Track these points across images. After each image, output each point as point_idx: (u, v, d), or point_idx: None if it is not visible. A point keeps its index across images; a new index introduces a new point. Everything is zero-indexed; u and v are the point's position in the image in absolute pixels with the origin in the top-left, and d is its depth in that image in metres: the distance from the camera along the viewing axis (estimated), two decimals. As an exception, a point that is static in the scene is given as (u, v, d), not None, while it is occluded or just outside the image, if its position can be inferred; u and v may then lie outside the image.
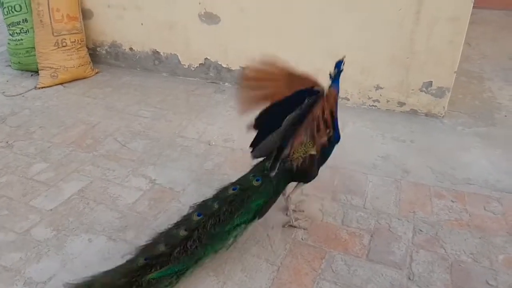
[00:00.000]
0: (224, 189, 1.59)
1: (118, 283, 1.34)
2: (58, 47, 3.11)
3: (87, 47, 3.37)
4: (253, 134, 1.63)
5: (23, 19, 3.21)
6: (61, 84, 3.12)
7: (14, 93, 3.01)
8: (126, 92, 3.06)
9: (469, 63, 3.58)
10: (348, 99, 2.93)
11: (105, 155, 2.31)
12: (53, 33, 3.09)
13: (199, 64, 3.26)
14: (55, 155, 2.31)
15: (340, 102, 2.92)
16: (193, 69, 3.29)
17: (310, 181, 1.74)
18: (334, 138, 1.71)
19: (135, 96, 2.99)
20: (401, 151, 2.39)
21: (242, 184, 1.59)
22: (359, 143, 2.47)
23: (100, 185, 2.07)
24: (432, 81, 2.72)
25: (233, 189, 1.57)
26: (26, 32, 3.21)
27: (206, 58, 3.22)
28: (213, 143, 2.43)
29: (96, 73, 3.35)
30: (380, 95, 2.87)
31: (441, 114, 2.76)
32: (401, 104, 2.83)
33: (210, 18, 3.07)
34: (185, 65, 3.31)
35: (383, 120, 2.74)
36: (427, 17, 2.59)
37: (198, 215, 1.51)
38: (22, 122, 2.64)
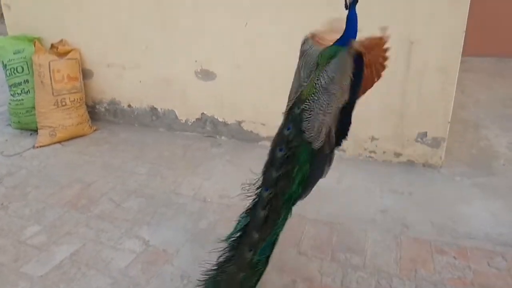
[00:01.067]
0: (272, 153, 1.59)
1: (238, 278, 1.53)
2: (58, 107, 3.21)
3: (87, 105, 3.47)
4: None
5: (24, 80, 3.34)
6: (59, 142, 3.18)
7: (12, 152, 3.07)
8: (123, 149, 3.11)
9: (464, 111, 3.65)
10: (344, 151, 2.96)
11: (100, 215, 2.31)
12: (53, 93, 3.20)
13: (196, 118, 3.34)
14: (49, 217, 2.30)
15: (336, 154, 2.98)
16: (190, 124, 3.37)
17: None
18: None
19: (132, 153, 3.03)
20: (400, 204, 2.38)
21: (284, 142, 1.56)
22: (357, 197, 2.46)
23: (93, 248, 2.05)
24: (427, 132, 2.77)
25: (280, 150, 1.57)
26: (27, 92, 3.33)
27: (202, 113, 3.30)
28: (209, 200, 2.43)
29: (94, 130, 3.42)
30: (376, 146, 2.90)
31: (439, 164, 2.78)
32: (398, 155, 2.86)
33: (206, 75, 3.19)
34: (182, 120, 3.38)
35: (380, 171, 2.75)
36: (417, 68, 2.69)
37: (266, 190, 1.58)
38: (19, 183, 2.67)
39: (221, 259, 1.61)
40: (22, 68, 3.34)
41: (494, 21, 4.82)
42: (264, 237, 1.55)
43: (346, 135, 1.63)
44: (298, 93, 1.59)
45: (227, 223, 2.19)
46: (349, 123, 1.61)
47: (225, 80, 3.16)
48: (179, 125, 3.40)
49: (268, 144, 3.04)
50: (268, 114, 3.07)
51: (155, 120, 3.47)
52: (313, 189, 1.60)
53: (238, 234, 1.62)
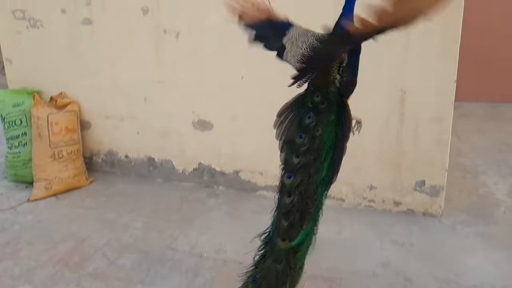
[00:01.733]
0: (291, 136, 1.60)
1: (279, 269, 1.55)
2: (55, 159, 3.23)
3: (84, 156, 3.50)
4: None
5: (22, 133, 3.39)
6: (54, 195, 3.18)
7: (7, 206, 3.05)
8: (119, 201, 3.10)
9: (461, 157, 3.69)
10: (343, 200, 2.96)
11: (92, 274, 2.26)
12: (50, 146, 3.23)
13: (193, 168, 3.36)
14: (40, 276, 2.25)
15: (335, 203, 2.98)
16: (187, 174, 3.38)
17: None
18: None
19: (128, 205, 3.02)
20: (401, 256, 2.34)
21: (305, 125, 1.58)
22: (357, 249, 2.43)
23: (84, 310, 1.99)
24: (425, 180, 2.78)
25: (300, 137, 1.58)
26: (24, 145, 3.37)
27: (200, 163, 3.33)
28: (205, 255, 2.39)
29: (91, 182, 3.42)
30: (375, 195, 2.90)
31: (439, 213, 2.76)
32: (397, 204, 2.85)
33: (203, 125, 3.25)
34: (179, 170, 3.40)
35: (380, 221, 2.73)
36: (411, 117, 2.75)
37: (289, 177, 1.57)
38: (11, 239, 2.63)
39: (256, 257, 1.65)
40: (21, 121, 3.40)
41: (485, 67, 4.98)
42: (296, 224, 1.55)
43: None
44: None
45: (223, 280, 2.15)
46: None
47: (222, 130, 3.21)
48: (176, 175, 3.41)
49: (266, 194, 3.09)
50: (265, 163, 3.10)
51: (152, 170, 3.48)
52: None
53: (271, 228, 1.65)
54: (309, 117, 1.58)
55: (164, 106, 3.32)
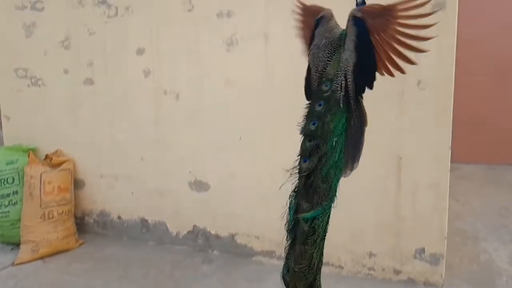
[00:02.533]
0: (307, 125, 1.79)
1: (305, 249, 1.73)
2: (44, 219, 3.19)
3: (75, 216, 3.47)
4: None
5: (13, 191, 3.37)
6: (41, 258, 3.10)
7: (-10, 269, 2.96)
8: (108, 266, 3.02)
9: (461, 221, 3.69)
10: (342, 267, 2.91)
11: None
12: (41, 205, 3.21)
13: (188, 231, 3.32)
14: None
15: (333, 270, 2.92)
16: (181, 237, 3.33)
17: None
18: None
19: (117, 271, 2.94)
20: (404, 332, 2.27)
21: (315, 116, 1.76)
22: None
23: None
24: (424, 248, 2.76)
25: (313, 124, 1.77)
26: (14, 204, 3.34)
27: (194, 225, 3.30)
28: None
29: (81, 244, 3.36)
30: (375, 263, 2.86)
31: (440, 283, 2.71)
32: (397, 272, 2.81)
33: (200, 185, 3.27)
34: (173, 232, 3.36)
35: (380, 291, 2.67)
36: (408, 183, 2.79)
37: (304, 161, 1.78)
38: (-9, 306, 2.53)
39: (286, 248, 1.85)
40: (13, 179, 3.40)
41: (482, 128, 5.12)
42: (315, 204, 1.75)
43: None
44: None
45: None
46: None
47: (219, 191, 3.22)
48: (169, 238, 3.36)
49: (262, 260, 3.04)
50: (262, 227, 3.08)
51: (145, 232, 3.44)
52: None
53: (290, 217, 1.84)
54: (320, 105, 1.78)
55: (160, 166, 3.36)
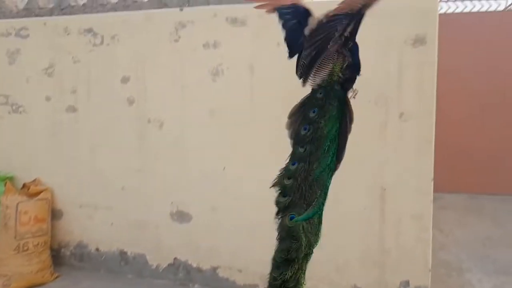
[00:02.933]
0: (297, 129, 1.86)
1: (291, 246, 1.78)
2: (19, 252, 3.08)
3: (51, 248, 3.35)
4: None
5: (-12, 222, 3.26)
6: (13, 293, 2.97)
7: (-43, 306, 2.81)
8: (83, 302, 2.91)
9: (445, 252, 3.69)
10: (327, 301, 2.86)
11: None
12: (15, 237, 3.10)
13: (168, 264, 3.23)
14: None
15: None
16: (161, 270, 3.24)
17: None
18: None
19: (94, 306, 2.83)
20: None
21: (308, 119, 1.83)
22: None
23: None
24: (409, 280, 2.74)
25: (305, 129, 1.85)
26: (-13, 235, 3.22)
27: (175, 258, 3.22)
28: None
29: (56, 277, 3.23)
30: (360, 296, 2.82)
31: (426, 316, 2.69)
32: (383, 305, 2.77)
33: (181, 216, 3.21)
34: (153, 265, 3.27)
35: (366, 326, 2.62)
36: (391, 215, 2.80)
37: (293, 164, 1.85)
38: None
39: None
40: (-12, 209, 3.29)
41: (462, 158, 5.23)
42: (298, 204, 1.82)
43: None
44: None
45: None
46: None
47: (201, 223, 3.17)
48: (149, 271, 3.26)
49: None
50: (245, 260, 3.02)
51: (123, 265, 3.33)
52: None
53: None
54: (314, 111, 1.85)
55: (142, 196, 3.30)
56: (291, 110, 1.97)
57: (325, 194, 1.87)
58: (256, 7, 2.14)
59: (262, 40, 2.97)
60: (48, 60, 3.48)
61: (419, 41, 2.73)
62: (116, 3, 5.96)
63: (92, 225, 3.42)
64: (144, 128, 3.27)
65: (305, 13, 1.95)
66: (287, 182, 1.86)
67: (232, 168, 3.08)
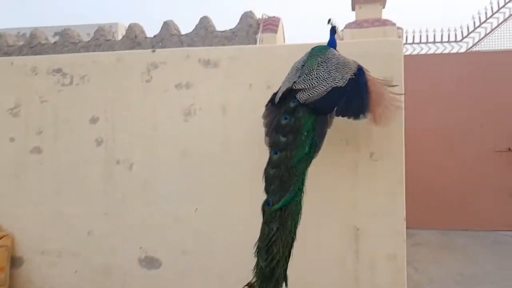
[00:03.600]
0: (277, 121, 2.23)
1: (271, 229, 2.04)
2: (-29, 305, 2.85)
3: (8, 300, 3.12)
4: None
5: None
6: None
7: None
8: None
9: (420, 291, 3.67)
10: None
11: None
12: (-31, 289, 2.88)
13: (135, 314, 3.06)
14: None
15: None
16: (127, 320, 3.06)
17: None
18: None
19: None
20: None
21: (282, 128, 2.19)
22: None
23: None
24: (386, 323, 2.70)
25: (285, 118, 2.20)
26: None
27: (144, 306, 3.06)
28: None
29: (12, 332, 3.00)
30: None
31: None
32: None
33: (150, 262, 3.08)
34: (118, 315, 3.09)
35: None
36: (366, 255, 2.78)
37: (275, 153, 2.16)
38: None
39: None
40: None
41: (434, 196, 5.33)
42: (278, 191, 2.09)
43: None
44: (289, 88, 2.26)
45: None
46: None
47: (171, 268, 3.04)
48: (115, 321, 3.08)
49: None
50: (217, 306, 2.90)
51: (88, 316, 3.13)
52: None
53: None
54: (293, 102, 2.19)
55: (108, 241, 3.15)
56: (264, 112, 2.40)
57: (303, 181, 2.10)
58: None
59: (235, 81, 3.00)
60: (14, 100, 3.38)
61: (386, 83, 2.83)
62: (88, 41, 6.00)
63: (55, 273, 3.22)
64: (112, 170, 3.18)
65: None
66: (271, 171, 2.13)
67: (204, 210, 3.01)
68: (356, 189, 2.80)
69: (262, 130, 2.41)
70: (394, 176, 2.78)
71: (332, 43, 2.55)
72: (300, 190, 2.09)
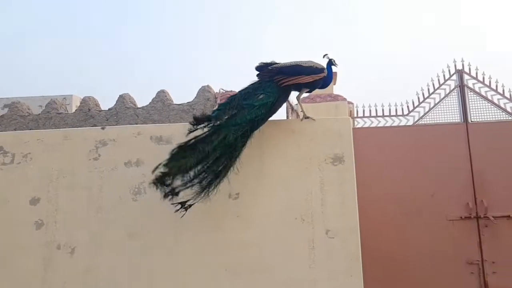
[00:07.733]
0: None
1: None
2: None
3: None
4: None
5: None
6: None
7: None
8: None
9: None
10: None
11: None
12: None
13: None
14: None
15: None
16: None
17: None
18: None
19: None
20: None
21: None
22: None
23: None
24: None
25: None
26: None
27: None
28: None
29: None
30: None
31: None
32: None
33: None
34: None
35: None
36: None
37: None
38: None
39: None
40: None
41: (391, 268, 5.27)
42: None
43: None
44: None
45: None
46: None
47: None
48: None
49: None
50: None
51: None
52: None
53: None
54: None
55: None
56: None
57: None
58: None
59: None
60: None
61: (337, 159, 2.91)
62: (38, 114, 5.85)
63: None
64: (52, 255, 2.95)
65: None
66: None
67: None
68: (314, 269, 2.73)
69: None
70: (350, 254, 2.76)
71: (329, 77, 3.09)
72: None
